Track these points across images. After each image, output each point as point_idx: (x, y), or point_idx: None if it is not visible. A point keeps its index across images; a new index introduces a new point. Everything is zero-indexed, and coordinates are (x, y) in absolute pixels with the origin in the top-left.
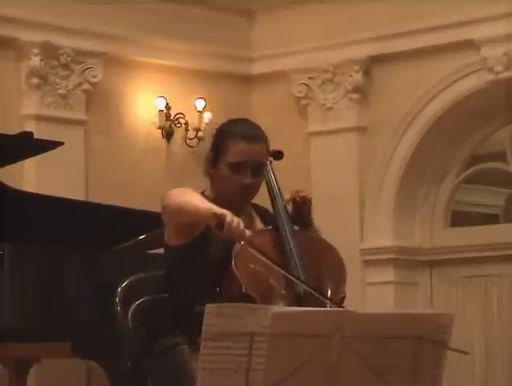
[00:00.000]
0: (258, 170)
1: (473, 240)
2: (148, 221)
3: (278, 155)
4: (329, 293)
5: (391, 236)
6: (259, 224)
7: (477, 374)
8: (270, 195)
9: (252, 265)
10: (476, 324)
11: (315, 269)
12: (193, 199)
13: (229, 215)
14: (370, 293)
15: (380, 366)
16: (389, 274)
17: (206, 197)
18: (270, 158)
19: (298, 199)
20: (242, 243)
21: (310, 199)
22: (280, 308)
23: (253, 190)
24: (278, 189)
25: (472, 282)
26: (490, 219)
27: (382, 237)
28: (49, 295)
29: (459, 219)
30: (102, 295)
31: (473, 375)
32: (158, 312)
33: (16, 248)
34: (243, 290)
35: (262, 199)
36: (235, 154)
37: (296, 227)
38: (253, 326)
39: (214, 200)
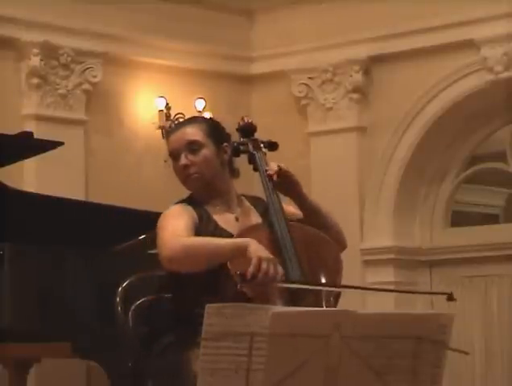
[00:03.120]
0: (191, 148)
1: (473, 240)
2: (148, 221)
3: (272, 146)
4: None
5: (391, 236)
6: (255, 216)
7: (477, 374)
8: (263, 187)
9: (246, 263)
10: (476, 324)
11: (310, 265)
12: (212, 240)
13: (253, 265)
14: (370, 294)
15: (380, 366)
16: (389, 274)
17: (192, 200)
18: (265, 150)
19: (277, 173)
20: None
21: (288, 172)
22: (280, 308)
23: (193, 168)
24: (272, 180)
25: (472, 282)
26: (490, 219)
27: (382, 237)
28: (49, 295)
29: (459, 219)
30: (102, 295)
31: (473, 375)
32: (158, 312)
33: (16, 248)
34: (238, 288)
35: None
36: (168, 147)
37: (295, 220)
38: (253, 326)
39: (198, 199)
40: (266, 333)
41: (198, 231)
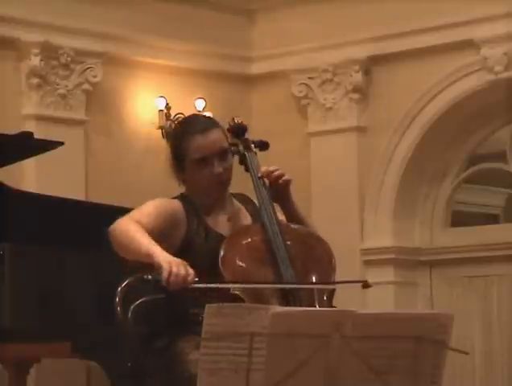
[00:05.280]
0: (223, 155)
1: (473, 240)
2: None
3: (263, 146)
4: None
5: (391, 236)
6: (245, 215)
7: (477, 374)
8: (254, 188)
9: (239, 264)
10: (477, 324)
11: (304, 264)
12: (142, 238)
13: (165, 269)
14: (370, 293)
15: (380, 366)
16: (389, 274)
17: (185, 199)
18: (255, 150)
19: (271, 178)
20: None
21: (286, 180)
22: (280, 308)
23: (226, 176)
24: (263, 181)
25: (472, 282)
26: (490, 219)
27: (382, 237)
28: (49, 295)
29: (459, 219)
30: (102, 295)
31: (473, 375)
32: (158, 312)
33: (16, 248)
34: (230, 291)
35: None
36: (196, 150)
37: (280, 216)
38: (253, 326)
39: (193, 200)
40: (265, 333)
41: (185, 229)
